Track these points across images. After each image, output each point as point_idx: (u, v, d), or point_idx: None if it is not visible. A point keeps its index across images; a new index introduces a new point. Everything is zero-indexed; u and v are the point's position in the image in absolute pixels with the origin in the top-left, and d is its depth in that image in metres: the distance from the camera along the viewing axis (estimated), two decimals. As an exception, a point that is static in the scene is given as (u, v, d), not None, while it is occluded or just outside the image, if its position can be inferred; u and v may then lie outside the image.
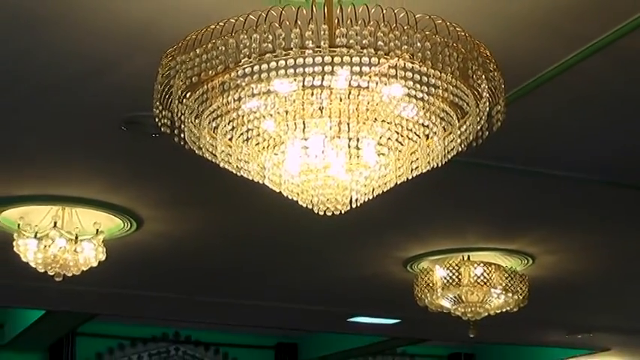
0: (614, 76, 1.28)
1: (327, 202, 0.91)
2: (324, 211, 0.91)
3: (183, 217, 2.02)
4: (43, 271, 1.94)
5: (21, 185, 1.79)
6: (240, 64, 0.83)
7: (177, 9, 1.06)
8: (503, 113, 0.92)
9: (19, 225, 1.94)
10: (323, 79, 0.83)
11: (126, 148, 1.56)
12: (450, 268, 2.25)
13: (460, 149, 0.91)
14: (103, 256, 1.98)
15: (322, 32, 0.82)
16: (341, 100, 0.86)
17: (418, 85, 0.84)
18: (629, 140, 1.55)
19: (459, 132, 0.90)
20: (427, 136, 0.90)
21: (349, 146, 0.87)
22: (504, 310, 2.31)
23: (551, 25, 1.11)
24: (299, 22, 0.82)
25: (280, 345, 4.51)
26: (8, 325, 3.77)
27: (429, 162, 0.92)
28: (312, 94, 0.85)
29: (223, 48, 0.84)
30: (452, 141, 0.90)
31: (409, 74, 0.83)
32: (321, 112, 0.86)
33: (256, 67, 0.83)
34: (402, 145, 0.90)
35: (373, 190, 0.92)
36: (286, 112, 0.87)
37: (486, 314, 2.29)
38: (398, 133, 0.89)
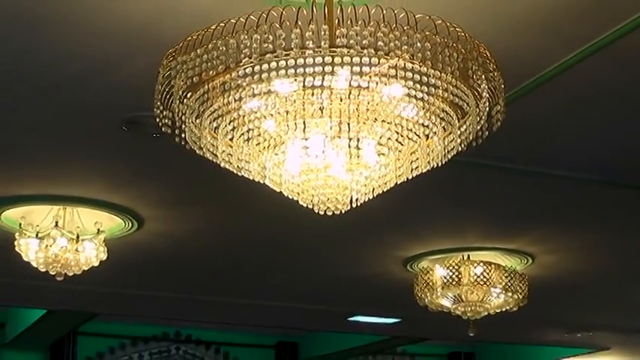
0: (613, 77, 1.28)
1: (328, 201, 0.91)
2: (325, 211, 0.92)
3: (184, 217, 2.02)
4: (44, 270, 1.94)
5: (22, 185, 1.79)
6: (240, 64, 0.84)
7: (177, 9, 1.06)
8: (503, 113, 0.92)
9: (20, 224, 1.94)
10: (323, 79, 0.83)
11: (127, 148, 1.56)
12: (450, 268, 2.26)
13: (460, 149, 0.91)
14: (104, 256, 1.98)
15: (322, 32, 0.82)
16: (341, 100, 0.86)
17: (418, 85, 0.84)
18: (628, 140, 1.55)
19: (458, 132, 0.90)
20: (427, 136, 0.90)
21: (349, 146, 0.87)
22: (504, 309, 2.31)
23: (551, 25, 1.11)
24: (299, 23, 0.82)
25: (281, 344, 4.51)
26: (10, 324, 3.78)
27: (429, 162, 0.92)
28: (313, 94, 0.85)
29: (224, 48, 0.85)
30: (452, 141, 0.91)
31: (409, 74, 0.83)
32: (322, 112, 0.87)
33: (257, 67, 0.83)
34: (402, 145, 0.90)
35: (373, 189, 0.92)
36: (287, 112, 0.87)
37: (486, 313, 2.30)
38: (398, 133, 0.89)
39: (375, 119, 0.88)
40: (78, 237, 1.92)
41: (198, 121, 0.91)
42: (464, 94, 0.87)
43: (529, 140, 1.54)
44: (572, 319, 3.33)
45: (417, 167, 0.93)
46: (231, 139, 0.92)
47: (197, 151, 0.94)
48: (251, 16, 0.85)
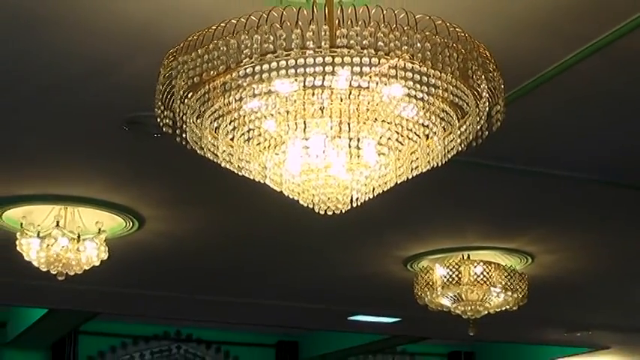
0: (613, 77, 1.28)
1: (328, 201, 0.91)
2: (325, 211, 0.92)
3: (185, 217, 2.03)
4: (45, 270, 1.95)
5: (23, 185, 1.80)
6: (241, 64, 0.84)
7: (177, 9, 1.06)
8: (502, 113, 0.92)
9: (21, 224, 1.95)
10: (324, 79, 0.83)
11: (128, 148, 1.57)
12: (450, 267, 2.26)
13: (460, 149, 0.92)
14: (105, 255, 1.99)
15: (323, 33, 0.82)
16: (341, 100, 0.86)
17: (418, 85, 0.85)
18: (628, 140, 1.55)
19: (458, 132, 0.91)
20: (427, 136, 0.91)
21: (350, 146, 0.88)
22: (504, 308, 2.32)
23: (551, 25, 1.11)
24: (300, 23, 0.83)
25: (281, 343, 4.52)
26: (11, 323, 3.79)
27: (429, 162, 0.92)
28: (313, 94, 0.86)
29: (225, 48, 0.85)
30: (452, 141, 0.91)
31: (409, 74, 0.84)
32: (322, 112, 0.87)
33: (257, 68, 0.83)
34: (402, 144, 0.91)
35: (373, 189, 0.93)
36: (287, 112, 0.87)
37: (486, 313, 2.30)
38: (398, 133, 0.89)
39: (376, 119, 0.88)
40: (79, 236, 1.93)
41: (199, 121, 0.91)
42: (464, 94, 0.88)
43: (529, 140, 1.54)
44: (571, 318, 3.33)
45: (417, 167, 0.93)
46: (231, 139, 0.92)
47: (198, 151, 0.95)
48: (252, 17, 0.85)
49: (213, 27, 0.88)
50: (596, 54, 1.17)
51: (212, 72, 0.86)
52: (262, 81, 0.84)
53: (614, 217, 2.05)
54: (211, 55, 0.86)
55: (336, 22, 0.84)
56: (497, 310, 2.32)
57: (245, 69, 0.84)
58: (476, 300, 2.25)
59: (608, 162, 1.66)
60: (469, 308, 2.26)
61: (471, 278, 2.24)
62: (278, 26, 0.83)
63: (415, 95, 0.85)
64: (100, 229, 1.97)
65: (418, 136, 0.90)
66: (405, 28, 0.83)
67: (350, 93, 0.86)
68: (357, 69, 0.82)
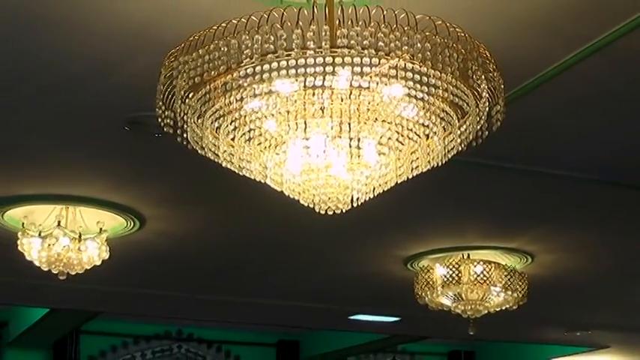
0: (613, 77, 1.28)
1: (329, 201, 0.91)
2: (326, 210, 0.92)
3: (186, 216, 2.03)
4: (47, 269, 1.96)
5: (25, 185, 1.80)
6: (242, 64, 0.84)
7: (177, 9, 1.07)
8: (502, 113, 0.92)
9: (23, 224, 1.96)
10: (324, 79, 0.83)
11: (129, 148, 1.57)
12: (450, 267, 2.27)
13: (460, 149, 0.92)
14: (106, 255, 1.99)
15: (323, 33, 0.82)
16: (342, 100, 0.86)
17: (418, 86, 0.85)
18: (627, 140, 1.55)
19: (458, 132, 0.91)
20: (427, 136, 0.91)
21: (350, 146, 0.88)
22: (504, 307, 2.32)
23: (551, 25, 1.11)
24: (300, 23, 0.83)
25: (282, 342, 4.52)
26: (13, 323, 3.79)
27: (429, 161, 0.92)
28: (314, 94, 0.86)
29: (225, 49, 0.85)
30: (452, 141, 0.91)
31: (409, 74, 0.84)
32: (323, 112, 0.87)
33: (258, 68, 0.84)
34: (403, 144, 0.91)
35: (374, 189, 0.93)
36: (288, 112, 0.87)
37: (486, 312, 2.31)
38: (398, 132, 0.89)
39: (376, 119, 0.88)
40: (80, 236, 1.94)
41: (199, 121, 0.92)
42: (464, 94, 0.88)
43: (529, 140, 1.55)
44: (571, 317, 3.34)
45: (417, 167, 0.93)
46: (232, 139, 0.92)
47: (199, 151, 0.95)
48: (252, 17, 0.86)
49: (214, 27, 0.88)
50: (596, 54, 1.17)
51: (213, 72, 0.86)
52: (263, 81, 0.84)
53: (613, 217, 2.05)
54: (212, 56, 0.86)
55: (337, 22, 0.85)
56: (497, 309, 2.32)
57: (246, 69, 0.84)
58: (476, 299, 2.26)
59: (608, 162, 1.66)
60: (469, 307, 2.27)
61: (471, 277, 2.24)
62: (279, 26, 0.83)
63: (415, 95, 0.86)
64: (101, 229, 1.98)
65: (418, 136, 0.90)
66: (406, 28, 0.83)
67: (350, 93, 0.86)
68: (357, 69, 0.82)
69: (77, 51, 1.17)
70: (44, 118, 1.42)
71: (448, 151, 0.92)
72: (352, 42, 0.82)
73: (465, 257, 2.31)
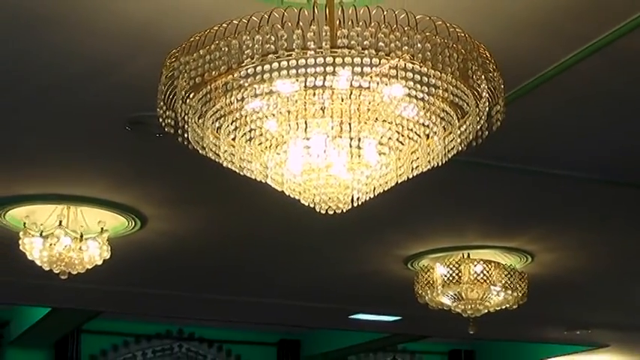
0: (613, 77, 1.28)
1: (329, 200, 0.92)
2: (326, 210, 0.92)
3: (187, 216, 2.04)
4: (48, 269, 1.96)
5: (26, 184, 1.81)
6: (242, 64, 0.84)
7: (177, 9, 1.07)
8: (502, 113, 0.92)
9: (24, 224, 1.96)
10: (325, 79, 0.84)
11: (130, 148, 1.57)
12: (450, 266, 2.27)
13: (460, 149, 0.92)
14: (107, 255, 2.00)
15: (324, 33, 0.83)
16: (342, 101, 0.87)
17: (418, 86, 0.85)
18: (628, 140, 1.55)
19: (459, 132, 0.91)
20: (427, 136, 0.91)
21: (351, 146, 0.88)
22: (504, 307, 2.33)
23: (551, 25, 1.12)
24: (301, 24, 0.83)
25: (283, 341, 4.53)
26: (14, 322, 3.80)
27: (429, 161, 0.93)
28: (314, 94, 0.86)
29: (226, 49, 0.85)
30: (452, 140, 0.91)
31: (410, 74, 0.84)
32: (323, 112, 0.87)
33: (259, 68, 0.84)
34: (403, 144, 0.91)
35: (374, 189, 0.93)
36: (288, 112, 0.88)
37: (486, 311, 2.31)
38: (399, 132, 0.90)
39: (376, 119, 0.88)
40: (82, 236, 1.94)
41: (200, 121, 0.92)
42: (464, 94, 0.88)
43: (529, 140, 1.55)
44: (571, 316, 3.34)
45: (417, 166, 0.94)
46: (233, 139, 0.93)
47: (200, 151, 0.95)
48: (253, 17, 0.86)
49: (215, 27, 0.88)
50: (596, 54, 1.17)
51: (214, 72, 0.86)
52: (264, 81, 0.85)
53: (613, 216, 2.05)
54: (213, 56, 0.86)
55: (337, 22, 0.85)
56: (497, 308, 2.33)
57: (246, 69, 0.85)
58: (476, 298, 2.26)
59: (608, 162, 1.67)
60: (469, 307, 2.27)
61: (471, 277, 2.25)
62: (279, 27, 0.83)
63: (415, 95, 0.86)
64: (102, 229, 1.98)
65: (419, 135, 0.90)
66: (406, 28, 0.84)
67: (351, 93, 0.86)
68: (357, 69, 0.83)
69: (77, 51, 1.18)
70: (45, 118, 1.43)
71: (448, 151, 0.92)
72: (352, 42, 0.82)
73: (465, 257, 2.32)
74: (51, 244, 1.92)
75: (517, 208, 1.99)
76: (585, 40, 1.15)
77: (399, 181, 0.95)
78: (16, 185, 1.81)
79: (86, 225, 1.96)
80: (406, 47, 0.83)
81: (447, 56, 0.85)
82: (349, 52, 0.82)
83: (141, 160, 1.66)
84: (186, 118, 0.93)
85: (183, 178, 1.78)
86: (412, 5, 0.89)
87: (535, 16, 1.09)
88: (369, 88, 0.85)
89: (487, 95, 0.90)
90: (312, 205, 0.94)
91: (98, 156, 1.64)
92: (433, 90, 0.86)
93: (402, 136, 0.90)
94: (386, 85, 0.85)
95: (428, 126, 0.89)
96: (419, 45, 0.83)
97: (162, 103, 0.94)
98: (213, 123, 0.91)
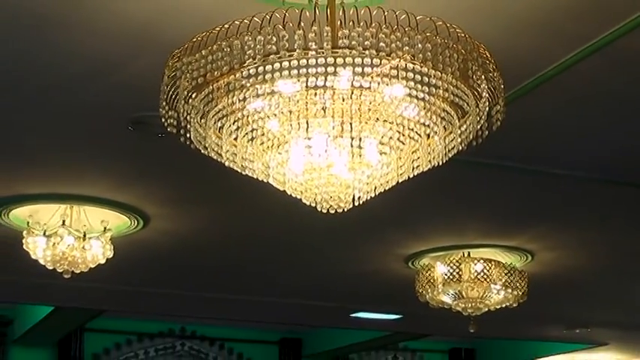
0: (613, 77, 1.28)
1: (331, 200, 0.92)
2: (327, 209, 0.93)
3: (189, 215, 2.04)
4: (51, 268, 1.97)
5: (29, 184, 1.82)
6: (244, 65, 0.85)
7: (177, 10, 1.07)
8: (502, 113, 0.93)
9: (28, 223, 1.97)
10: (326, 79, 0.84)
11: (132, 148, 1.58)
12: (451, 265, 2.27)
13: (460, 148, 0.92)
14: (110, 254, 2.01)
15: (325, 34, 0.83)
16: (343, 101, 0.87)
17: (419, 86, 0.85)
18: (628, 140, 1.56)
19: (459, 131, 0.91)
20: (428, 136, 0.92)
21: (352, 145, 0.88)
22: (504, 305, 2.33)
23: (551, 25, 1.12)
24: (302, 24, 0.84)
25: (284, 340, 4.54)
26: (18, 321, 3.81)
27: (429, 161, 0.93)
28: (316, 94, 0.87)
29: (228, 49, 0.86)
30: (452, 140, 0.92)
31: (410, 75, 0.85)
32: (324, 112, 0.88)
33: (260, 68, 0.84)
34: (404, 144, 0.92)
35: (375, 188, 0.94)
36: (290, 112, 0.88)
37: (486, 310, 2.32)
38: (399, 132, 0.90)
39: (377, 119, 0.89)
40: (85, 235, 1.95)
41: (203, 121, 0.93)
42: (464, 94, 0.88)
43: (529, 140, 1.55)
44: (571, 315, 3.34)
45: (418, 166, 0.94)
46: (235, 139, 0.93)
47: (202, 151, 0.96)
48: (255, 18, 0.86)
49: (217, 28, 0.89)
50: (596, 54, 1.18)
51: (216, 72, 0.87)
52: (265, 81, 0.85)
53: (613, 215, 2.05)
54: (215, 56, 0.87)
55: (338, 23, 0.85)
56: (498, 307, 2.33)
57: (248, 69, 0.85)
58: (476, 297, 2.27)
59: (608, 162, 1.67)
60: (470, 305, 2.28)
61: (472, 276, 2.25)
62: (281, 27, 0.84)
63: (416, 95, 0.86)
64: (105, 228, 1.99)
65: (419, 135, 0.91)
66: (406, 29, 0.84)
67: (352, 93, 0.87)
68: (358, 69, 0.83)
69: (78, 51, 1.18)
70: (46, 118, 1.43)
71: (449, 151, 0.93)
72: (353, 42, 0.83)
73: (466, 255, 2.32)
74: (54, 244, 1.94)
75: (517, 207, 2.00)
76: (585, 40, 1.15)
77: (400, 181, 0.96)
78: (19, 185, 1.81)
79: (89, 224, 1.97)
80: (407, 47, 0.83)
81: (447, 56, 0.85)
82: (350, 53, 0.83)
83: (143, 159, 1.67)
84: (188, 118, 0.93)
85: (186, 178, 1.78)
86: (413, 6, 0.89)
87: (535, 16, 1.09)
88: (369, 88, 0.86)
89: (487, 95, 0.91)
90: (313, 205, 0.94)
91: (101, 156, 1.65)
92: (434, 90, 0.86)
93: (403, 135, 0.91)
94: (387, 85, 0.85)
95: (428, 126, 0.90)
96: (419, 45, 0.84)
97: (164, 103, 0.95)
98: (215, 123, 0.92)
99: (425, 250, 2.33)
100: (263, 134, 0.92)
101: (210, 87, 0.89)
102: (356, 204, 0.94)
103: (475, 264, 2.27)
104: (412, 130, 0.90)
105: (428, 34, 0.85)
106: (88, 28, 1.12)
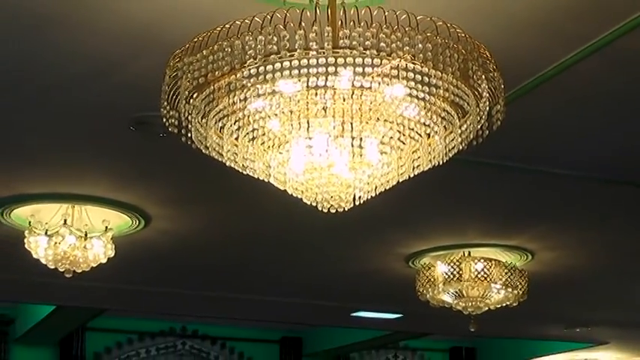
0: (612, 77, 1.29)
1: (331, 199, 0.92)
2: (328, 209, 0.93)
3: (190, 215, 2.05)
4: (53, 267, 1.98)
5: (31, 184, 1.82)
6: (245, 65, 0.85)
7: (179, 10, 1.08)
8: (502, 113, 0.93)
9: (30, 222, 1.98)
10: (327, 79, 0.84)
11: (134, 148, 1.59)
12: (451, 264, 2.28)
13: (461, 148, 0.93)
14: (111, 253, 2.02)
15: (326, 34, 0.84)
16: (344, 100, 0.88)
17: (419, 86, 0.86)
18: (627, 140, 1.56)
19: (459, 131, 0.92)
20: (428, 135, 0.92)
21: (352, 145, 0.89)
22: (504, 304, 2.34)
23: (551, 25, 1.12)
24: (303, 24, 0.84)
25: (285, 339, 4.54)
26: (20, 320, 3.82)
27: (430, 160, 0.94)
28: (316, 94, 0.87)
29: (229, 49, 0.86)
30: (453, 140, 0.92)
31: (411, 75, 0.85)
32: (325, 111, 0.88)
33: (261, 68, 0.85)
34: (404, 143, 0.92)
35: (376, 187, 0.94)
36: (291, 111, 0.89)
37: (487, 309, 2.33)
38: (400, 132, 0.91)
39: (378, 119, 0.89)
40: (86, 234, 1.96)
41: (204, 120, 0.93)
42: (464, 94, 0.89)
43: (529, 139, 1.55)
44: (571, 314, 3.35)
45: (418, 165, 0.95)
46: (236, 139, 0.94)
47: (203, 151, 0.96)
48: (256, 18, 0.87)
49: (218, 28, 0.89)
50: (596, 54, 1.18)
51: (217, 72, 0.87)
52: (266, 81, 0.85)
53: (613, 215, 2.06)
54: (216, 56, 0.87)
55: (339, 23, 0.86)
56: (498, 306, 2.34)
57: (249, 69, 0.85)
58: (477, 296, 2.27)
59: (608, 161, 1.67)
60: (470, 304, 2.28)
61: (472, 275, 2.26)
62: (281, 27, 0.84)
63: (417, 95, 0.87)
64: (106, 227, 2.00)
65: (420, 135, 0.91)
66: (407, 29, 0.85)
67: (352, 93, 0.87)
68: (359, 69, 0.83)
69: (80, 51, 1.18)
70: (47, 118, 1.44)
71: (449, 150, 0.93)
72: (354, 42, 0.83)
73: (466, 255, 2.33)
74: (56, 243, 1.94)
75: (517, 206, 2.00)
76: (585, 40, 1.15)
77: (401, 180, 0.96)
78: (21, 185, 1.82)
79: (91, 224, 1.97)
80: (407, 47, 0.84)
81: (447, 56, 0.85)
82: (351, 53, 0.83)
83: (145, 159, 1.68)
84: (189, 118, 0.94)
85: (187, 178, 1.79)
86: (413, 6, 0.90)
87: (535, 16, 1.09)
88: (370, 88, 0.86)
89: (487, 95, 0.91)
90: (314, 204, 0.94)
91: (103, 156, 1.65)
92: (434, 90, 0.86)
93: (404, 135, 0.91)
94: (387, 85, 0.86)
95: (429, 125, 0.90)
96: (420, 45, 0.84)
97: (165, 103, 0.95)
98: (216, 123, 0.92)
99: (425, 249, 2.34)
100: (264, 134, 0.92)
101: (212, 87, 0.90)
102: (356, 203, 0.94)
103: (475, 263, 2.28)
104: (413, 129, 0.91)
105: (428, 34, 0.85)
106: (89, 28, 1.12)
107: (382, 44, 0.83)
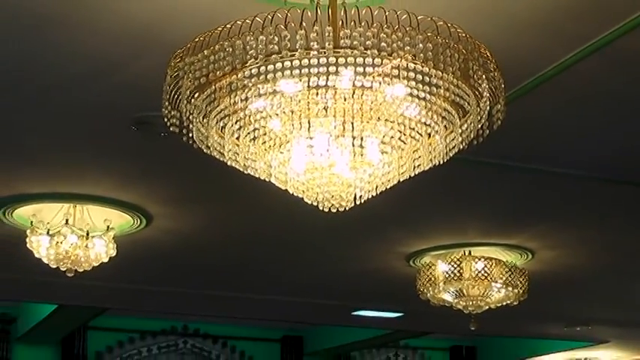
0: (612, 77, 1.29)
1: (332, 199, 0.93)
2: (329, 208, 0.94)
3: (191, 214, 2.05)
4: (55, 266, 1.99)
5: (32, 184, 1.83)
6: (246, 64, 0.85)
7: (180, 10, 1.08)
8: (503, 112, 0.93)
9: (31, 222, 1.98)
10: (327, 79, 0.85)
11: (135, 147, 1.59)
12: (452, 263, 2.29)
13: (461, 147, 0.93)
14: (113, 252, 2.02)
15: (327, 33, 0.84)
16: (345, 100, 0.88)
17: (420, 85, 0.86)
18: (627, 140, 1.56)
19: (460, 131, 0.92)
20: (429, 135, 0.92)
21: (353, 145, 0.89)
22: (505, 303, 2.34)
23: (551, 25, 1.12)
24: (304, 24, 0.84)
25: (286, 338, 4.55)
26: (21, 319, 3.83)
27: (431, 160, 0.94)
28: (317, 94, 0.87)
29: (230, 49, 0.86)
30: (453, 139, 0.92)
31: (411, 74, 0.85)
32: (326, 111, 0.88)
33: (262, 68, 0.85)
34: (405, 143, 0.92)
35: (377, 187, 0.94)
36: (292, 111, 0.89)
37: (487, 308, 2.33)
38: (401, 131, 0.91)
39: (379, 118, 0.89)
40: (88, 234, 1.96)
41: (205, 120, 0.93)
42: (465, 94, 0.89)
43: (529, 139, 1.56)
44: (571, 313, 3.35)
45: (419, 165, 0.95)
46: (237, 138, 0.94)
47: (204, 150, 0.96)
48: (257, 18, 0.87)
49: (219, 28, 0.89)
50: (596, 54, 1.18)
51: (218, 72, 0.87)
52: (267, 81, 0.86)
53: (612, 214, 2.06)
54: (217, 56, 0.87)
55: (340, 23, 0.86)
56: (498, 305, 2.34)
57: (250, 69, 0.86)
58: (477, 295, 2.28)
59: (608, 161, 1.67)
60: (470, 303, 2.29)
61: (473, 274, 2.26)
62: (282, 27, 0.84)
63: (417, 95, 0.87)
64: (108, 227, 2.00)
65: (420, 134, 0.92)
66: (408, 28, 0.85)
67: (353, 93, 0.87)
68: (360, 69, 0.84)
69: (80, 51, 1.18)
70: (48, 118, 1.44)
71: (450, 150, 0.93)
72: (355, 42, 0.83)
73: (467, 254, 2.33)
74: (57, 242, 1.95)
75: (517, 206, 2.00)
76: (585, 40, 1.15)
77: (401, 180, 0.96)
78: (22, 184, 1.83)
79: (92, 223, 1.98)
80: (408, 47, 0.84)
81: (448, 56, 0.86)
82: (352, 52, 0.83)
83: (146, 159, 1.68)
84: (191, 117, 0.94)
85: (188, 177, 1.79)
86: (414, 6, 0.90)
87: (535, 16, 1.10)
88: (371, 87, 0.86)
89: (488, 95, 0.91)
90: (315, 204, 0.95)
91: (104, 155, 1.66)
92: (435, 89, 0.87)
93: (404, 135, 0.91)
94: (388, 84, 0.86)
95: (429, 125, 0.91)
96: (420, 45, 0.84)
97: (167, 103, 0.95)
98: (217, 122, 0.92)
99: (426, 248, 2.34)
100: (265, 134, 0.92)
101: (213, 87, 0.90)
102: (357, 203, 0.94)
103: (476, 262, 2.28)
104: (413, 129, 0.91)
105: (429, 34, 0.85)
106: (89, 28, 1.12)
107: (383, 44, 0.83)
